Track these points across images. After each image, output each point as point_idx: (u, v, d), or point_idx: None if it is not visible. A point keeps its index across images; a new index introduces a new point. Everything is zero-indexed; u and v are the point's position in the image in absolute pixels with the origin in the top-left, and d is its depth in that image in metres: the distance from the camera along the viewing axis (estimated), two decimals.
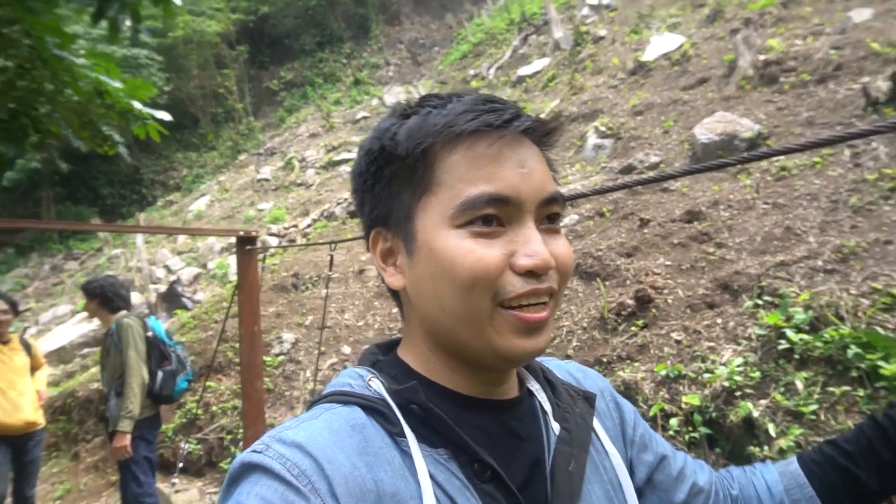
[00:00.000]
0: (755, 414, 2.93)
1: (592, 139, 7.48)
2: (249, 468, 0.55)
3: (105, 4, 3.38)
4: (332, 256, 3.16)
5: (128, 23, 3.52)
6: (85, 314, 8.06)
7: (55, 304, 13.10)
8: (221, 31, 21.14)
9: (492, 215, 0.60)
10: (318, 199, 12.48)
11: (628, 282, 4.47)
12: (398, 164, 0.65)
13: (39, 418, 4.31)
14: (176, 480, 4.47)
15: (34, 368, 4.43)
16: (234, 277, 3.62)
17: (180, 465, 4.17)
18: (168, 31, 19.77)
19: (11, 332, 4.35)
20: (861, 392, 2.79)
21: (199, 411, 5.90)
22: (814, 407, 2.82)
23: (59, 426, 7.35)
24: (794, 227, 4.14)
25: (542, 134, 0.67)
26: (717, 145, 5.68)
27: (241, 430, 3.78)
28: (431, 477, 0.58)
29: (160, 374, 3.74)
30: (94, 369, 7.75)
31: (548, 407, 0.71)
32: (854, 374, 2.86)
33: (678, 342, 3.67)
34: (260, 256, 3.68)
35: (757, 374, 3.11)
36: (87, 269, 15.11)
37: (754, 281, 3.76)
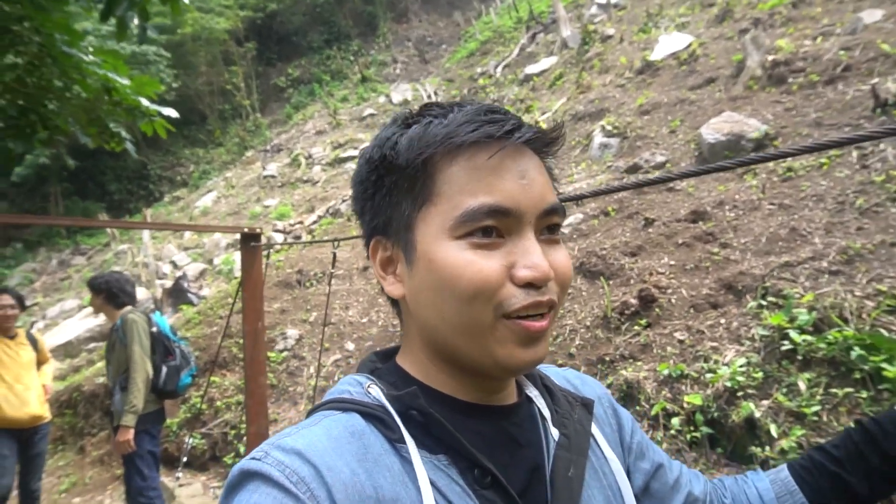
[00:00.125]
0: (757, 414, 2.93)
1: (598, 138, 7.47)
2: (248, 476, 0.55)
3: (113, 3, 3.40)
4: (335, 254, 3.17)
5: (136, 21, 3.54)
6: (91, 309, 8.13)
7: (62, 299, 13.19)
8: (230, 28, 21.22)
9: (491, 227, 0.61)
10: (323, 196, 12.51)
11: (632, 281, 4.47)
12: (398, 174, 0.65)
13: (45, 412, 4.34)
14: (180, 475, 4.50)
15: (40, 363, 4.46)
16: (239, 273, 3.64)
17: (184, 459, 4.19)
18: (177, 28, 19.86)
19: (18, 327, 4.38)
20: (864, 394, 2.78)
21: (204, 406, 5.94)
22: (816, 408, 2.81)
23: (66, 420, 7.41)
24: (799, 228, 4.12)
25: (544, 144, 0.67)
26: (724, 145, 5.66)
27: (244, 426, 3.80)
28: (431, 483, 0.58)
29: (164, 370, 3.77)
30: (100, 364, 7.81)
31: (546, 413, 0.72)
32: (857, 375, 2.85)
33: (681, 342, 3.67)
34: (264, 253, 3.69)
35: (759, 375, 3.11)
36: (95, 264, 15.20)
37: (758, 281, 3.75)
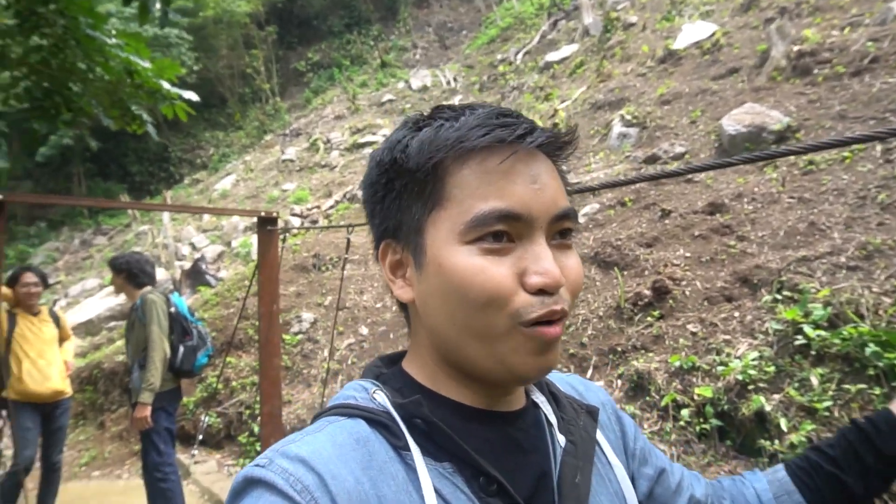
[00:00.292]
0: (767, 408, 2.92)
1: (618, 128, 7.41)
2: (252, 483, 0.55)
3: None
4: (349, 240, 3.20)
5: (158, 5, 3.57)
6: (112, 289, 8.27)
7: (84, 278, 13.45)
8: (251, 12, 21.27)
9: (502, 231, 0.60)
10: (341, 181, 12.57)
11: (647, 272, 4.45)
12: (409, 178, 0.64)
13: (67, 387, 4.46)
14: (195, 452, 4.61)
15: (62, 340, 4.58)
16: (256, 256, 3.70)
17: (200, 437, 4.29)
18: (198, 11, 19.95)
19: (41, 304, 4.50)
20: (877, 390, 2.76)
21: (220, 386, 6.05)
22: (828, 403, 2.80)
23: (86, 396, 7.59)
24: (818, 222, 4.07)
25: (556, 148, 0.66)
26: (745, 137, 5.59)
27: (259, 406, 3.87)
28: (436, 491, 0.58)
29: (181, 349, 3.85)
30: (120, 342, 7.97)
31: (553, 419, 0.71)
32: (871, 372, 2.83)
33: (694, 334, 3.66)
34: (281, 237, 3.74)
35: (772, 369, 3.09)
36: (116, 244, 15.45)
37: (774, 275, 3.72)
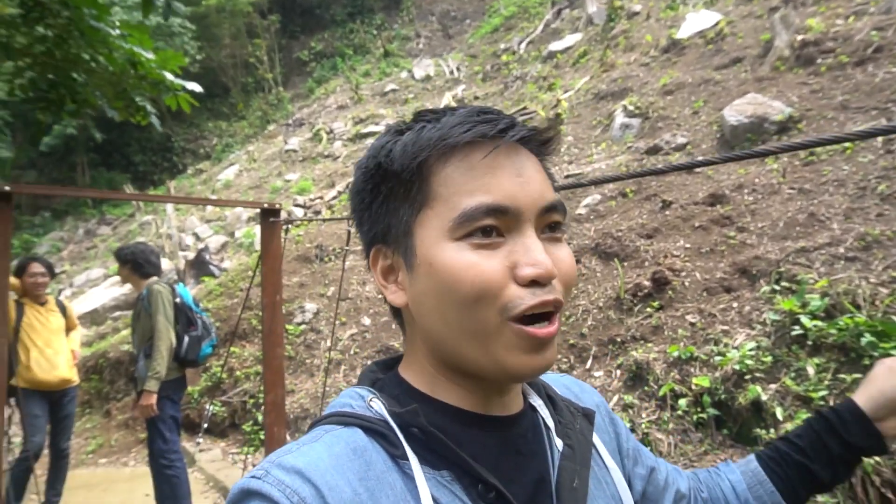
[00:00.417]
0: (764, 397, 2.96)
1: (620, 118, 7.40)
2: (249, 495, 0.55)
3: None
4: (349, 231, 3.23)
5: None
6: (117, 279, 8.33)
7: (88, 268, 13.52)
8: (254, 1, 21.18)
9: (491, 226, 0.59)
10: (344, 172, 12.58)
11: (646, 263, 4.48)
12: (394, 180, 0.64)
13: (74, 376, 4.53)
14: (200, 440, 4.67)
15: (69, 329, 4.64)
16: (259, 247, 3.73)
17: (205, 425, 4.35)
18: (201, 0, 19.87)
19: (48, 294, 4.55)
20: None
21: (224, 375, 6.12)
22: (823, 393, 2.83)
23: (92, 385, 7.68)
24: (818, 213, 4.09)
25: (539, 143, 0.66)
26: (746, 128, 5.59)
27: (262, 395, 3.93)
28: (434, 500, 0.57)
29: (186, 339, 3.90)
30: (125, 332, 8.05)
31: (550, 423, 0.71)
32: (867, 361, 2.85)
33: (692, 325, 3.70)
34: (283, 228, 3.77)
35: (769, 359, 3.13)
36: (120, 234, 15.52)
37: (773, 266, 3.74)
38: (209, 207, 13.60)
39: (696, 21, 8.95)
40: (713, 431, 3.13)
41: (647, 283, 4.14)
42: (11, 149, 18.38)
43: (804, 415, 2.80)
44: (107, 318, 9.90)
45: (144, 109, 4.58)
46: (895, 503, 2.42)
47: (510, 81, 12.82)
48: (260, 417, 5.48)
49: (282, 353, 3.81)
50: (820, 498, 2.60)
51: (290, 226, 4.57)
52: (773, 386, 3.02)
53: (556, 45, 12.48)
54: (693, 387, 3.27)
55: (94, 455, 6.47)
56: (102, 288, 11.08)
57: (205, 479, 5.17)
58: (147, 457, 4.03)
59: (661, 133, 6.57)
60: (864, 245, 3.59)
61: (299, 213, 10.66)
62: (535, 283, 0.59)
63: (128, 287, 8.99)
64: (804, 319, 3.14)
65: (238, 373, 6.23)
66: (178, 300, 3.96)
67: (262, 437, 4.68)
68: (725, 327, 3.53)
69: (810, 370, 2.97)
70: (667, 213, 4.98)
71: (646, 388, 3.51)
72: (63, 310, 4.61)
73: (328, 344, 5.97)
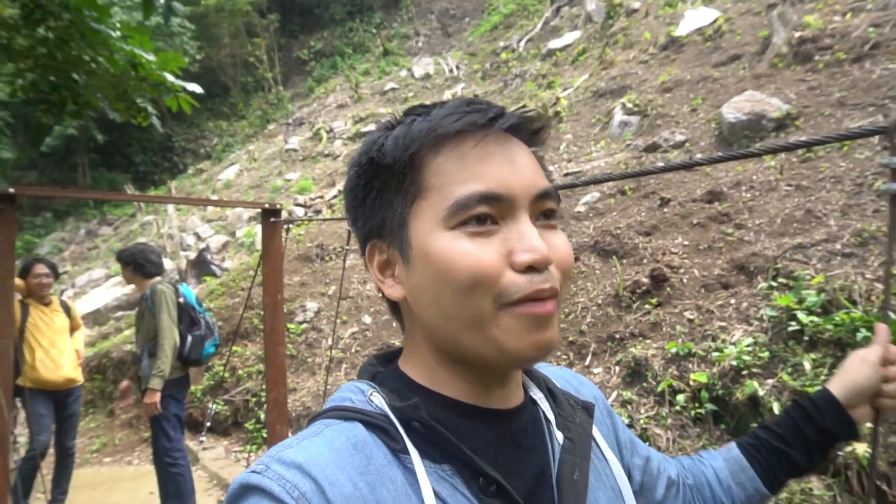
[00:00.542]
0: (761, 393, 2.99)
1: (619, 116, 7.43)
2: (249, 490, 0.55)
3: None
4: (349, 230, 3.26)
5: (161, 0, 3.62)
6: (119, 279, 8.38)
7: (90, 268, 13.56)
8: (253, 0, 21.19)
9: (485, 214, 0.59)
10: (344, 171, 12.52)
11: (645, 260, 4.51)
12: (387, 174, 0.64)
13: (78, 375, 4.58)
14: (203, 439, 4.72)
15: (73, 329, 4.69)
16: (260, 247, 3.77)
17: (208, 424, 4.39)
18: (200, 0, 19.89)
19: (52, 295, 4.60)
20: None
21: (226, 374, 6.16)
22: (819, 387, 2.86)
23: (95, 384, 7.72)
24: (815, 209, 4.12)
25: (530, 132, 0.67)
26: (745, 125, 5.61)
27: (265, 393, 3.97)
28: (436, 494, 0.57)
29: (190, 339, 3.94)
30: (128, 332, 8.09)
31: (551, 416, 0.71)
32: None
33: (690, 321, 3.73)
34: (284, 228, 3.81)
35: (766, 355, 3.16)
36: (121, 234, 15.56)
37: (770, 263, 3.77)
38: (210, 207, 13.64)
39: (695, 18, 8.97)
40: (711, 426, 3.17)
41: (645, 280, 4.18)
42: (13, 150, 18.42)
43: None
44: (109, 318, 9.94)
45: (145, 110, 4.61)
46: (890, 496, 2.46)
47: (509, 79, 12.84)
48: (262, 415, 5.52)
49: (283, 351, 3.85)
50: (816, 491, 2.64)
51: (290, 225, 4.60)
52: (769, 381, 3.05)
53: (555, 43, 12.49)
54: (691, 382, 3.31)
55: (98, 454, 6.51)
56: (104, 288, 11.12)
57: (208, 476, 5.21)
58: (151, 455, 4.07)
59: (660, 130, 6.60)
60: (861, 241, 3.62)
61: (300, 212, 10.70)
62: (531, 269, 0.59)
63: (129, 287, 9.05)
64: (801, 315, 3.17)
65: (240, 372, 6.27)
66: (181, 300, 4.00)
67: (265, 434, 4.72)
68: (723, 323, 3.56)
69: (807, 365, 3.00)
70: (665, 210, 5.01)
71: (644, 384, 3.54)
72: (67, 310, 4.66)
73: (329, 342, 6.01)
